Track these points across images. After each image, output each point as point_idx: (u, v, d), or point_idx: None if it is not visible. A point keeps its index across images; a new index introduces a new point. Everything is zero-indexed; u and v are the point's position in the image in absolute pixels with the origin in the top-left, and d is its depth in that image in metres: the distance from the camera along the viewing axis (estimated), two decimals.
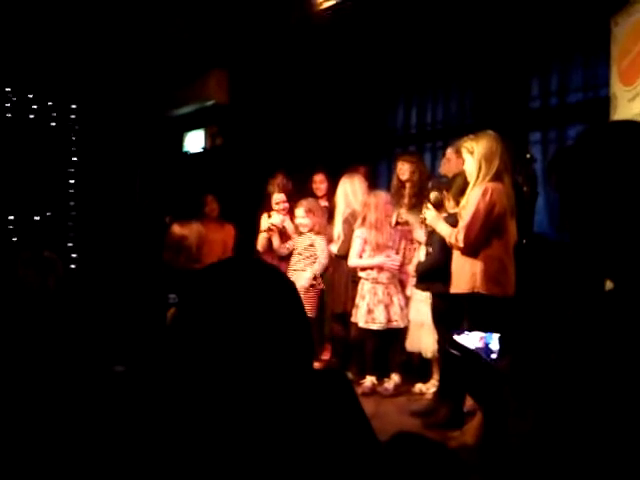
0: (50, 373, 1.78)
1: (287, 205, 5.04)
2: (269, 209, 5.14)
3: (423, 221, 4.05)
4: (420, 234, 4.49)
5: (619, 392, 0.92)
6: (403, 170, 4.76)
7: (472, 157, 3.43)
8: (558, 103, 5.19)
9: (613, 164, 1.04)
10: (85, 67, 6.55)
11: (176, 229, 3.40)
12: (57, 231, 6.96)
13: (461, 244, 3.42)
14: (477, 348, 1.37)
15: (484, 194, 3.34)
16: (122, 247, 6.56)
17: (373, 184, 5.36)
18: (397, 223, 4.78)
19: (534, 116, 5.29)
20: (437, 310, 3.88)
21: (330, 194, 5.10)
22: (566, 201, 1.09)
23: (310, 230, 4.81)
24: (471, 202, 3.40)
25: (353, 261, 4.54)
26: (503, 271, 3.39)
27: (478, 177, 3.41)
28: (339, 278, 4.77)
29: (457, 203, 3.70)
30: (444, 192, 3.84)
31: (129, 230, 6.91)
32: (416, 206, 4.55)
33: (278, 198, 5.07)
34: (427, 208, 3.77)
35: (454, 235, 3.46)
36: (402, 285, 4.62)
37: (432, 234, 3.94)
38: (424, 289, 4.07)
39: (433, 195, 3.75)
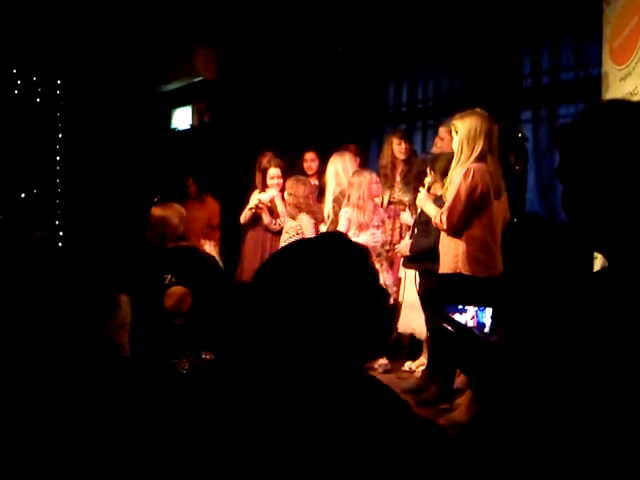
0: (40, 353, 1.76)
1: (281, 181, 5.00)
2: (263, 185, 5.08)
3: (412, 203, 4.04)
4: (405, 215, 4.50)
5: (611, 369, 0.92)
6: (402, 149, 4.76)
7: (457, 136, 3.41)
8: (549, 82, 5.18)
9: (616, 143, 1.04)
10: (70, 42, 6.43)
11: (157, 211, 3.41)
12: (44, 209, 6.88)
13: (445, 225, 3.41)
14: (469, 323, 1.37)
15: (466, 175, 3.32)
16: (110, 226, 6.51)
17: (364, 162, 5.34)
18: (390, 202, 4.77)
19: (525, 95, 5.28)
20: (427, 288, 3.88)
21: (321, 172, 5.07)
22: (568, 178, 1.08)
23: (292, 209, 4.78)
24: (454, 183, 3.39)
25: None
26: (486, 251, 3.38)
27: (460, 157, 3.39)
28: None
29: (443, 184, 3.70)
30: (430, 171, 3.84)
31: (116, 208, 6.85)
32: (408, 185, 4.56)
33: (273, 173, 5.02)
34: (419, 191, 3.77)
35: (438, 216, 3.45)
36: (392, 265, 4.62)
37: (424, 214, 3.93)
38: (416, 268, 4.06)
39: (429, 179, 3.75)
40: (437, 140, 4.47)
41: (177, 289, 3.14)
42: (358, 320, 1.06)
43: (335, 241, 1.13)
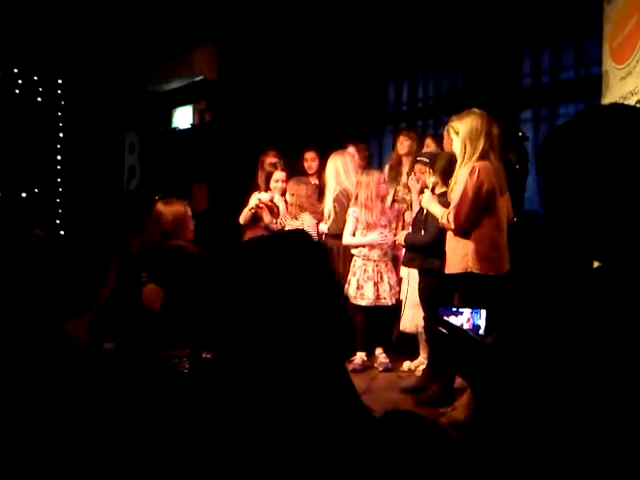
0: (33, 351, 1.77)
1: (285, 185, 4.95)
2: (267, 186, 5.03)
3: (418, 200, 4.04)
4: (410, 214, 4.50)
5: (609, 366, 0.92)
6: (403, 145, 4.77)
7: (458, 137, 3.41)
8: (550, 81, 5.18)
9: (601, 149, 1.04)
10: (71, 41, 6.44)
11: (166, 210, 3.35)
12: (44, 208, 6.89)
13: (452, 225, 3.40)
14: (465, 325, 1.37)
15: (471, 174, 3.32)
16: (110, 224, 6.52)
17: (365, 161, 5.35)
18: (394, 201, 4.77)
19: (526, 94, 5.28)
20: (428, 287, 3.87)
21: (321, 172, 5.06)
22: (552, 184, 1.08)
23: (295, 209, 4.77)
24: (459, 182, 3.39)
25: (346, 239, 4.54)
26: (495, 249, 3.37)
27: (464, 157, 3.39)
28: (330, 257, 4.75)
29: (444, 183, 3.70)
30: (429, 170, 3.84)
31: (117, 207, 6.86)
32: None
33: (279, 176, 4.96)
34: (423, 192, 3.78)
35: (445, 216, 3.45)
36: (397, 264, 4.62)
37: (428, 213, 3.94)
38: (417, 267, 4.06)
39: (433, 179, 3.76)
40: (428, 141, 4.51)
41: (150, 287, 3.12)
42: (315, 320, 1.04)
43: (294, 240, 1.11)
